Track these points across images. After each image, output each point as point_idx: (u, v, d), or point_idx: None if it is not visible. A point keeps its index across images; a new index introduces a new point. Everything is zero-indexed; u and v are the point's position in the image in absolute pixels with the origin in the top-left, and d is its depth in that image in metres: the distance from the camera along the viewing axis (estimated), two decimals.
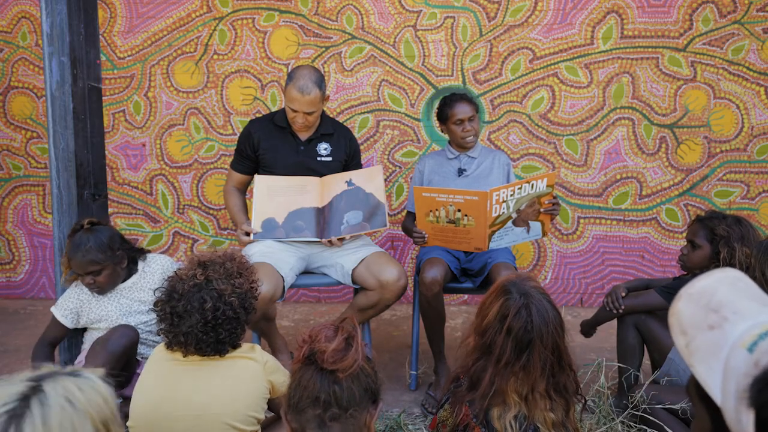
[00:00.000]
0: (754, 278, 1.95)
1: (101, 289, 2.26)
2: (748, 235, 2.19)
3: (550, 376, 1.47)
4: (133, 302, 2.29)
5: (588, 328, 2.55)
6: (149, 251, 2.43)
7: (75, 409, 0.93)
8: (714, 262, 2.22)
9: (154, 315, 1.80)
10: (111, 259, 2.23)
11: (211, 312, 1.60)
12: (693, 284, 0.98)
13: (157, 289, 1.73)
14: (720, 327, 0.91)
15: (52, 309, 2.31)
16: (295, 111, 2.58)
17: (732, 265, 2.17)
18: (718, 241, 2.20)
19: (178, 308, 1.61)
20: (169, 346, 1.67)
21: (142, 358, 2.31)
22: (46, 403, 0.91)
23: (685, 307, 0.97)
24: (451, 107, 2.74)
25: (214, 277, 1.64)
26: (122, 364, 2.14)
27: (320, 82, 2.58)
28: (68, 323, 2.28)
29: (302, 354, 1.23)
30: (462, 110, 2.72)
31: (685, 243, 2.33)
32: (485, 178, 2.79)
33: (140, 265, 2.35)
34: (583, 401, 1.60)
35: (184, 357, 1.66)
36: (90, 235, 2.22)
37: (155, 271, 2.35)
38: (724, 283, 0.96)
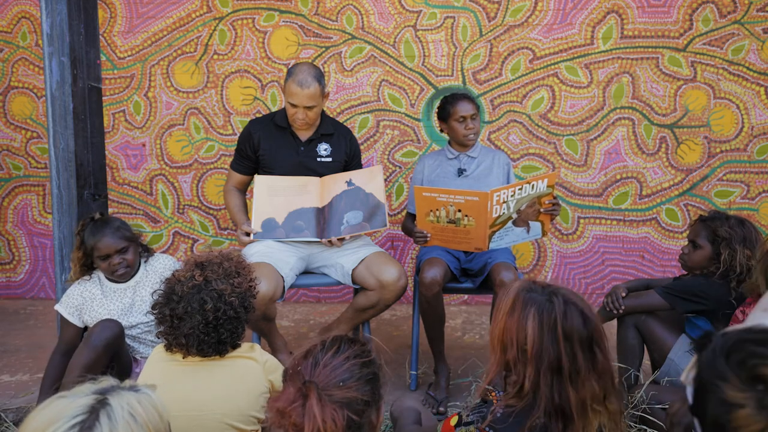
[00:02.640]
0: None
1: (130, 268, 2.27)
2: (750, 237, 2.18)
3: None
4: (135, 300, 2.29)
5: None
6: (153, 250, 2.44)
7: (137, 423, 1.00)
8: (715, 263, 2.22)
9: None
10: (136, 238, 2.31)
11: (212, 312, 1.60)
12: None
13: (154, 291, 1.73)
14: None
15: (57, 307, 2.28)
16: (294, 106, 2.57)
17: (732, 266, 2.17)
18: (719, 242, 2.20)
19: (178, 310, 1.61)
20: (169, 347, 1.67)
21: (141, 357, 2.31)
22: (113, 417, 0.98)
23: None
24: (453, 105, 2.74)
25: (212, 277, 1.64)
26: (108, 358, 2.11)
27: (319, 77, 2.58)
28: (76, 321, 2.28)
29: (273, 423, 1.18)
30: (465, 108, 2.73)
31: (687, 242, 2.33)
32: (485, 178, 2.79)
33: (143, 264, 2.35)
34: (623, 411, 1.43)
35: (183, 358, 1.65)
36: (108, 219, 2.30)
37: (158, 270, 2.35)
38: None
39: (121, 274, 2.26)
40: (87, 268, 2.30)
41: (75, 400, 0.99)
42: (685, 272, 2.40)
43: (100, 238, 2.22)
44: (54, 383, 2.20)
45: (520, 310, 1.30)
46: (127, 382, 1.07)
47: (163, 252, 3.90)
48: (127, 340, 2.29)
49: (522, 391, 1.28)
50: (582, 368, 1.25)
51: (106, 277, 2.31)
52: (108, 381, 1.06)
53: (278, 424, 1.15)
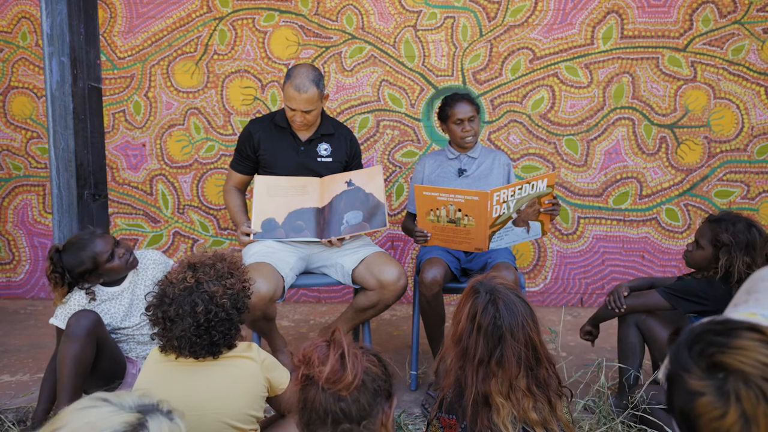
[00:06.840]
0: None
1: (133, 255, 2.28)
2: (754, 244, 2.13)
3: (527, 370, 1.47)
4: (134, 299, 2.29)
5: (590, 328, 2.53)
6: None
7: None
8: (714, 266, 2.21)
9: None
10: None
11: (203, 315, 1.58)
12: (764, 269, 1.10)
13: (148, 293, 1.72)
14: (739, 306, 1.01)
15: (52, 321, 2.23)
16: (293, 110, 2.58)
17: (730, 273, 2.15)
18: (719, 247, 2.18)
19: (170, 312, 1.60)
20: (163, 349, 1.66)
21: (136, 357, 2.30)
22: None
23: (743, 286, 1.08)
24: (451, 106, 2.74)
25: (204, 279, 1.62)
26: (94, 347, 2.09)
27: (318, 80, 2.57)
28: None
29: (299, 376, 1.20)
30: (462, 110, 2.72)
31: (693, 239, 2.32)
32: (485, 179, 2.79)
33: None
34: (569, 395, 1.59)
35: (176, 359, 1.65)
36: (76, 236, 2.26)
37: (148, 266, 2.35)
38: None
39: (133, 261, 2.26)
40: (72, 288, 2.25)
41: (119, 414, 0.99)
42: (688, 270, 2.40)
43: (93, 245, 2.18)
44: (54, 389, 2.19)
45: (464, 300, 1.50)
46: (164, 405, 1.08)
47: (164, 252, 3.91)
48: (123, 340, 2.29)
49: (449, 374, 1.48)
50: (480, 357, 1.44)
51: (101, 284, 2.27)
52: (148, 397, 1.06)
53: (302, 374, 1.19)
